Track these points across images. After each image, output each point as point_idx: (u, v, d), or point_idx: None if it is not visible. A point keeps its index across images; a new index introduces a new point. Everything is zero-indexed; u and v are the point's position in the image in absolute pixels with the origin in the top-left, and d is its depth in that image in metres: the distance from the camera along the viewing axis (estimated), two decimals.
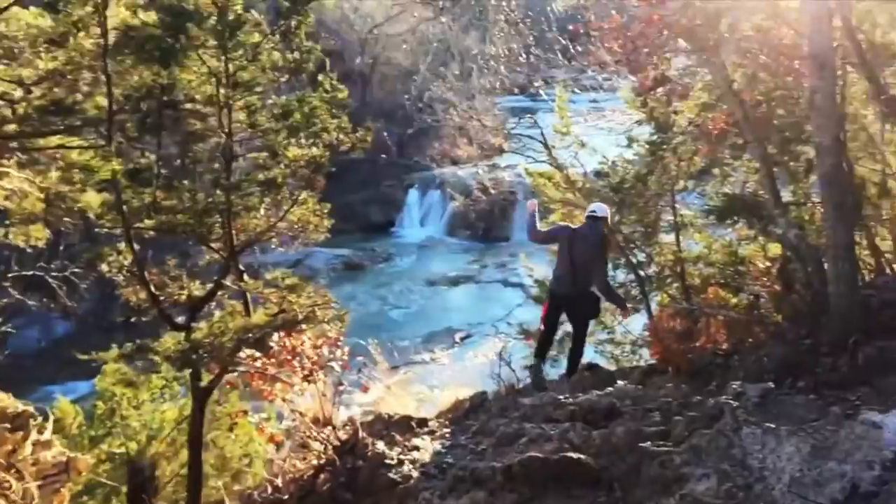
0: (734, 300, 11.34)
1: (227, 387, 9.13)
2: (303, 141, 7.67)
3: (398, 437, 8.61)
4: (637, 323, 14.83)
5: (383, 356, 12.78)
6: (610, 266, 14.35)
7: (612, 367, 13.34)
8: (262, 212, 7.94)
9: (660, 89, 8.99)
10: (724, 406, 7.05)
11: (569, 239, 9.98)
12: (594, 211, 10.17)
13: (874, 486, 6.04)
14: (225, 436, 8.76)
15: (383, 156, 44.74)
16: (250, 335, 7.18)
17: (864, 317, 7.57)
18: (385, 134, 45.68)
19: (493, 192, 42.07)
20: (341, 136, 7.90)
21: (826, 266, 7.85)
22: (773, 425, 6.67)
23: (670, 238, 14.13)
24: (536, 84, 16.36)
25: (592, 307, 10.20)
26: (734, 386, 7.35)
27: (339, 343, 8.46)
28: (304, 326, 7.97)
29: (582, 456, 7.18)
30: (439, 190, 43.28)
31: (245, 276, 7.80)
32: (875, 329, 7.52)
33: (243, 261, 8.78)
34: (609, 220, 10.34)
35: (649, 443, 7.09)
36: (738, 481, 6.42)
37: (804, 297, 8.29)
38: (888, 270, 9.99)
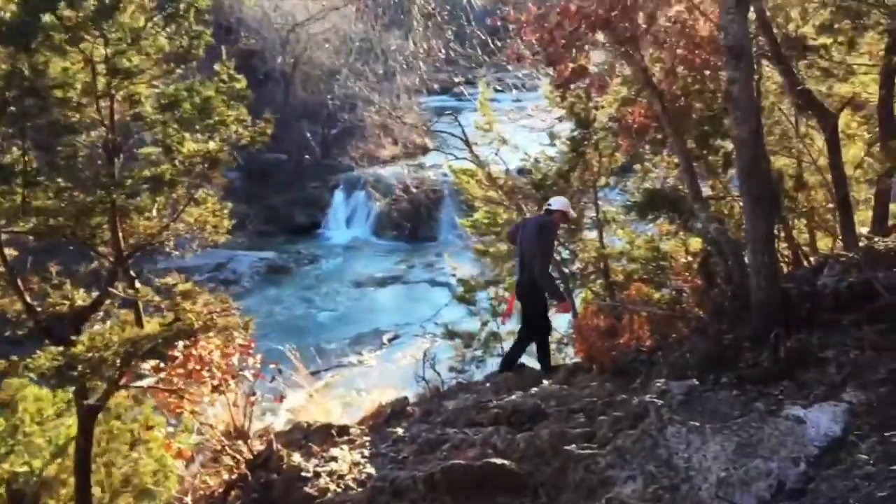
0: (657, 296, 11.31)
1: (130, 401, 8.60)
2: (199, 135, 7.15)
3: (315, 448, 8.23)
4: (563, 320, 14.74)
5: (305, 361, 12.36)
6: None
7: (537, 367, 13.18)
8: (154, 212, 7.38)
9: (578, 82, 8.83)
10: (649, 405, 6.90)
11: (519, 230, 10.60)
12: (549, 203, 10.61)
13: (800, 483, 5.95)
14: (124, 454, 8.22)
15: (307, 156, 44.06)
16: (140, 347, 6.64)
17: (785, 310, 7.52)
18: (308, 134, 44.98)
19: (418, 191, 41.83)
20: (240, 130, 7.41)
21: (746, 259, 7.77)
22: (697, 423, 6.54)
23: (593, 234, 14.08)
24: (458, 80, 16.10)
25: (536, 300, 10.20)
26: (658, 384, 7.21)
27: (251, 350, 8.04)
28: (211, 334, 7.48)
29: (506, 461, 6.95)
30: (364, 190, 42.80)
31: (137, 284, 7.26)
32: (795, 322, 7.48)
33: (158, 266, 8.26)
34: (567, 214, 10.42)
35: (574, 445, 6.90)
36: (665, 482, 6.26)
37: (725, 292, 8.22)
38: (805, 263, 10.06)
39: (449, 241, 35.97)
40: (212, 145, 7.15)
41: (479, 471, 6.94)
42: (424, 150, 49.12)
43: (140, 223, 7.20)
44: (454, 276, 15.16)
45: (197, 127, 6.96)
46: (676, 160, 11.38)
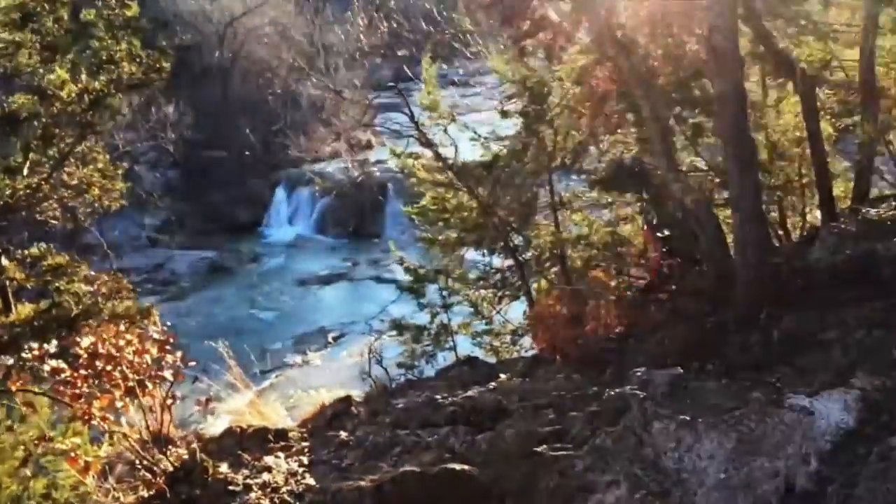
0: (621, 282, 10.47)
1: (24, 409, 7.39)
2: (83, 75, 6.01)
3: (247, 457, 7.16)
4: (516, 310, 13.86)
5: (248, 362, 11.34)
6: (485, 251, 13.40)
7: (492, 360, 12.29)
8: (25, 172, 6.18)
9: (540, 35, 7.92)
10: (630, 398, 5.99)
11: None
12: None
13: (812, 483, 5.10)
14: (9, 473, 7.01)
15: (247, 153, 42.74)
16: None
17: (776, 287, 6.71)
18: (249, 131, 43.64)
19: (362, 187, 40.84)
20: (131, 67, 6.27)
21: (730, 233, 6.92)
22: (688, 417, 5.64)
23: (549, 219, 13.20)
24: (400, 53, 14.97)
25: None
26: (638, 373, 6.31)
27: (169, 347, 6.92)
28: (122, 326, 6.35)
29: (466, 467, 6.03)
30: (308, 187, 41.68)
31: (3, 260, 6.07)
32: (788, 300, 6.66)
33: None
34: None
35: (545, 446, 5.97)
36: (653, 487, 5.36)
37: (705, 270, 7.38)
38: (784, 237, 9.34)
39: (394, 237, 35.04)
40: (95, 83, 5.97)
41: (435, 479, 5.99)
42: (369, 147, 48.24)
43: (3, 183, 5.97)
44: (401, 264, 14.15)
45: (69, 58, 5.78)
46: (638, 135, 10.59)
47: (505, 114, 12.73)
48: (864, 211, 7.49)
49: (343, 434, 7.52)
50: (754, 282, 6.72)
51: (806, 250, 7.30)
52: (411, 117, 12.99)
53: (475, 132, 13.22)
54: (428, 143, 12.77)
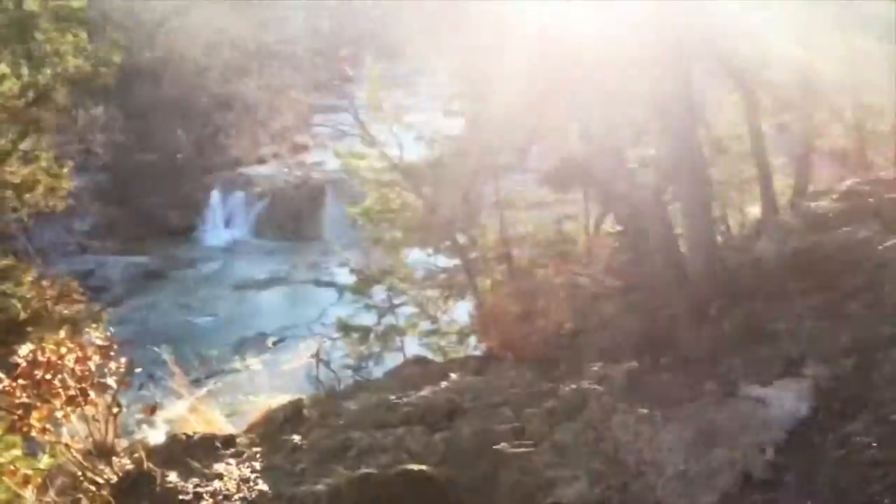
0: (569, 279, 10.51)
1: None
2: (25, 70, 5.75)
3: (196, 464, 6.94)
4: (462, 310, 13.84)
5: (185, 369, 11.01)
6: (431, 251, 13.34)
7: (440, 360, 12.23)
8: None
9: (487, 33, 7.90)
10: (588, 393, 6.01)
11: None
12: None
13: (768, 473, 5.16)
14: None
15: (180, 156, 41.82)
16: None
17: (725, 280, 6.78)
18: (181, 133, 42.72)
19: (300, 189, 40.38)
20: (78, 62, 6.02)
21: (679, 228, 6.99)
22: (646, 411, 5.67)
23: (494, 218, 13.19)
24: (342, 54, 14.84)
25: None
26: (595, 368, 6.32)
27: (112, 354, 6.66)
28: (61, 333, 6.08)
29: (424, 467, 5.93)
30: (244, 190, 40.98)
31: None
32: (737, 293, 6.75)
33: None
34: None
35: (504, 444, 5.92)
36: (613, 481, 5.37)
37: (657, 265, 7.43)
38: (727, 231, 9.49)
39: (334, 239, 34.74)
40: (40, 79, 5.72)
41: (393, 480, 5.90)
42: (307, 149, 47.73)
43: None
44: (346, 265, 13.99)
45: (9, 50, 5.51)
46: (584, 133, 10.63)
47: (450, 112, 12.67)
48: (805, 205, 7.64)
49: (296, 438, 7.35)
50: (704, 275, 6.81)
51: (753, 244, 7.43)
52: (355, 115, 12.85)
53: (420, 131, 13.16)
54: (372, 143, 12.66)
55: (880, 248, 6.42)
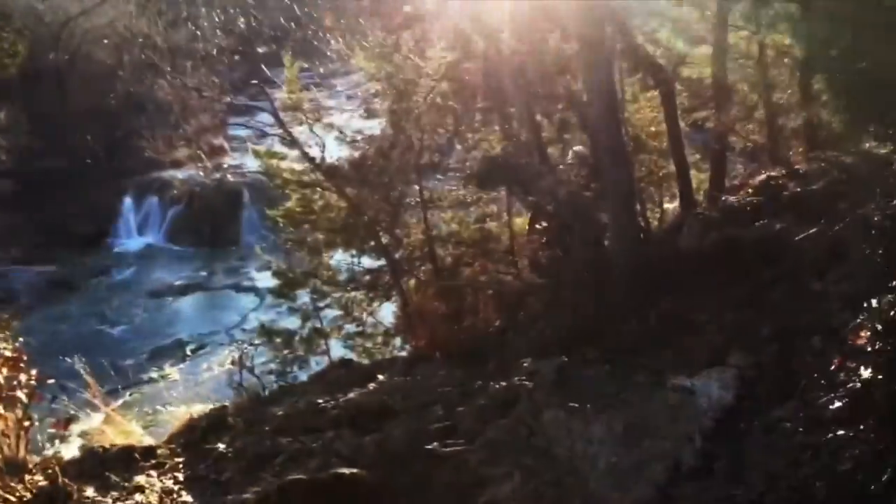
0: (495, 276, 10.53)
1: None
2: None
3: (115, 478, 6.68)
4: (387, 311, 13.69)
5: (100, 380, 10.60)
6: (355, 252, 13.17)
7: (366, 362, 12.09)
8: None
9: (413, 28, 7.83)
10: (519, 389, 6.00)
11: None
12: None
13: (698, 461, 5.24)
14: None
15: (90, 161, 40.35)
16: None
17: (649, 274, 6.87)
18: (90, 138, 41.23)
19: (217, 193, 39.46)
20: None
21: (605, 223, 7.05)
22: (577, 405, 5.70)
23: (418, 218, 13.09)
24: (262, 50, 14.47)
25: None
26: (525, 364, 6.32)
27: (21, 366, 6.35)
28: None
29: (355, 470, 5.83)
30: (157, 195, 39.79)
31: None
32: (662, 286, 6.85)
33: None
34: None
35: (436, 443, 5.86)
36: (546, 477, 5.37)
37: (582, 260, 7.49)
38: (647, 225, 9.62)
39: (252, 243, 34.06)
40: None
41: (323, 485, 5.79)
42: (222, 150, 46.70)
43: None
44: (269, 269, 13.66)
45: None
46: (505, 131, 10.69)
47: (371, 112, 12.54)
48: (722, 199, 7.81)
49: (220, 446, 7.14)
50: (629, 269, 6.89)
51: (674, 237, 7.56)
52: (275, 115, 12.58)
53: (341, 131, 12.98)
54: (293, 142, 12.41)
55: (796, 239, 6.61)
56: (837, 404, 4.52)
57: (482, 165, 9.65)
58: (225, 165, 44.40)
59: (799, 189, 7.75)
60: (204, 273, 35.30)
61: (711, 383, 5.68)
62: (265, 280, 20.00)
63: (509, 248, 11.72)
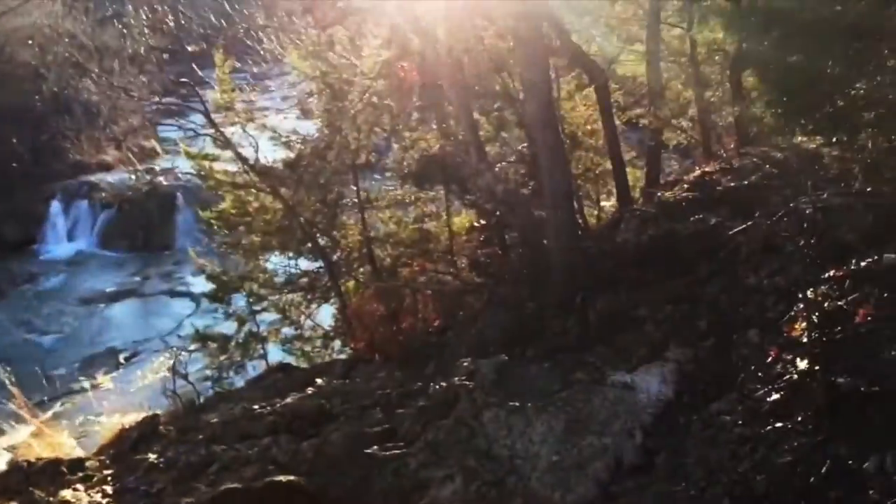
0: (433, 277, 10.43)
1: None
2: None
3: (39, 493, 6.40)
4: (326, 314, 13.51)
5: (28, 391, 10.24)
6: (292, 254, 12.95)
7: (305, 366, 11.87)
8: None
9: (344, 28, 7.68)
10: (459, 389, 5.90)
11: None
12: None
13: (639, 457, 5.22)
14: None
15: (14, 165, 39.03)
16: None
17: (588, 270, 6.86)
18: (14, 141, 39.92)
19: (149, 197, 38.55)
20: None
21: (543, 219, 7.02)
22: (517, 403, 5.63)
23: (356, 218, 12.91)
24: (192, 49, 14.02)
25: None
26: (465, 364, 6.23)
27: None
28: None
29: (293, 477, 5.67)
30: (87, 199, 38.68)
31: None
32: (600, 282, 6.84)
33: None
34: None
35: (375, 447, 5.74)
36: (488, 477, 5.29)
37: (522, 258, 7.45)
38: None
39: (186, 247, 33.37)
40: None
41: (260, 493, 5.62)
42: (154, 153, 45.72)
43: None
44: (203, 272, 13.32)
45: None
46: (442, 130, 10.61)
47: (306, 112, 12.31)
48: (658, 195, 7.85)
49: (151, 457, 6.89)
50: (568, 265, 6.86)
51: (612, 234, 7.56)
52: (207, 115, 12.27)
53: (275, 132, 12.71)
54: (226, 143, 12.11)
55: (730, 233, 6.66)
56: (775, 396, 4.55)
57: (420, 164, 9.55)
58: (158, 168, 43.45)
59: (733, 184, 7.84)
60: (137, 279, 34.44)
61: (650, 378, 5.67)
62: (200, 285, 19.58)
63: (448, 248, 11.65)
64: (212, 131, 12.24)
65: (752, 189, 7.46)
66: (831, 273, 5.42)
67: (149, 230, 37.85)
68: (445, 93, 8.51)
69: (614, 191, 10.19)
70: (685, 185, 8.44)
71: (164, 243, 37.19)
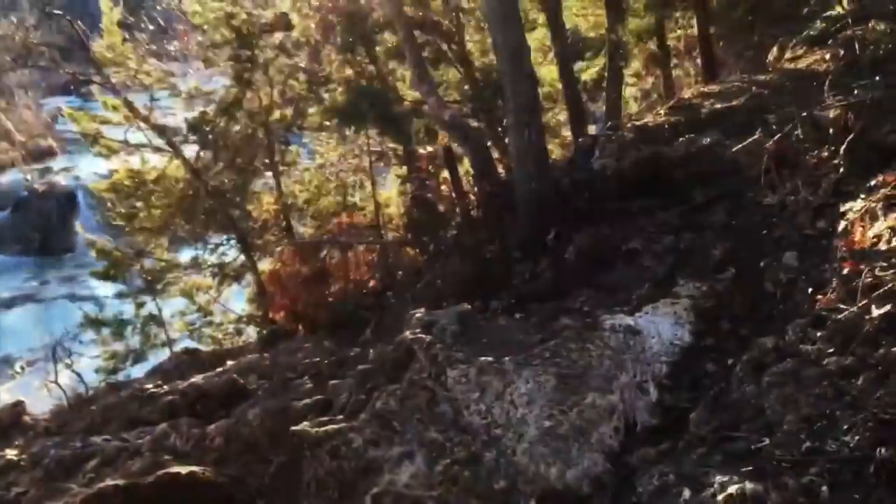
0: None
1: None
2: None
3: None
4: (239, 297, 11.92)
5: None
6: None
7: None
8: None
9: None
10: (413, 344, 4.53)
11: None
12: None
13: (656, 416, 3.98)
14: None
15: None
16: None
17: (561, 202, 5.60)
18: None
19: (47, 198, 36.13)
20: None
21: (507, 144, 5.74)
22: (490, 358, 4.30)
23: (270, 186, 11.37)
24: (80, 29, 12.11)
25: None
26: (418, 315, 4.87)
27: None
28: None
29: (195, 468, 4.24)
30: None
31: None
32: (577, 217, 5.59)
33: None
34: None
35: (306, 423, 4.32)
36: (458, 453, 3.96)
37: (477, 194, 6.15)
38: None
39: (86, 250, 31.28)
40: None
41: (151, 490, 4.20)
42: (51, 152, 43.16)
43: None
44: (91, 248, 11.54)
45: None
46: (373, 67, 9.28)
47: (208, 62, 10.71)
48: (633, 121, 6.69)
49: (11, 453, 5.32)
50: (536, 199, 5.61)
51: (585, 161, 6.33)
52: (97, 69, 10.46)
53: (175, 87, 11.06)
54: (115, 92, 10.41)
55: (732, 150, 5.51)
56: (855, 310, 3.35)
57: (350, 97, 8.14)
58: (56, 168, 40.89)
59: (718, 105, 6.74)
60: (34, 283, 32.27)
61: (660, 319, 4.44)
62: (105, 288, 17.73)
63: (374, 221, 10.22)
64: (97, 79, 10.53)
65: (743, 109, 6.37)
66: (879, 179, 4.29)
67: (47, 232, 35.58)
68: (379, 20, 7.16)
69: (566, 118, 8.99)
70: (662, 112, 7.29)
71: (64, 246, 35.01)
